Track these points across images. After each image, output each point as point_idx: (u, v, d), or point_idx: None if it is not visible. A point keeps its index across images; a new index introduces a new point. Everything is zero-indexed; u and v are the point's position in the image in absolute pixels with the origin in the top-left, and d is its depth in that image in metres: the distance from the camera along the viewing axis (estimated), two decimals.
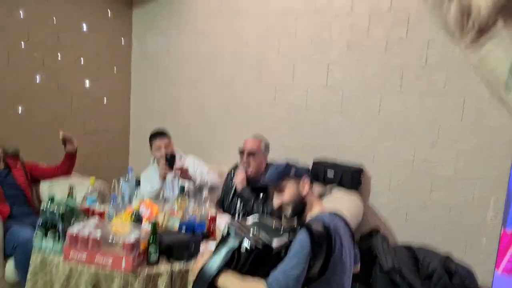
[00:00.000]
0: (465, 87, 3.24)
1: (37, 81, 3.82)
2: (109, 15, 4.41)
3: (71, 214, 2.31)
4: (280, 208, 1.94)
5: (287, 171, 1.96)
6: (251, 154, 3.07)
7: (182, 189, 2.70)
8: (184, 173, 3.12)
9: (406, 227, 3.55)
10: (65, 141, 3.25)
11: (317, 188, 3.48)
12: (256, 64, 4.07)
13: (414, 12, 3.37)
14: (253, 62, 4.08)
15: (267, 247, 1.71)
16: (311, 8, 3.77)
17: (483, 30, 0.46)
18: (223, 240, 1.81)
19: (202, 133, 4.45)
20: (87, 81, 4.27)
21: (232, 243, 1.75)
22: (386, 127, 3.57)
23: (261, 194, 2.84)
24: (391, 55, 3.49)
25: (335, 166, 3.62)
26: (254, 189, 2.85)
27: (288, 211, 1.92)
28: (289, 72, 3.93)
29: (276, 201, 1.94)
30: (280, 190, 1.94)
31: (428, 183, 3.43)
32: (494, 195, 3.19)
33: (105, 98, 4.52)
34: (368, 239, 3.36)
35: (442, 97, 3.33)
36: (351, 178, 3.56)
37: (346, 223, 1.91)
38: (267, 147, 3.22)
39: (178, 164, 3.19)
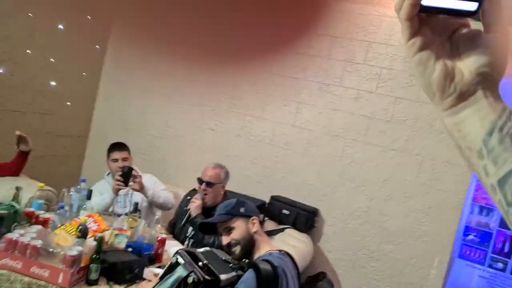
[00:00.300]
0: (425, 147, 3.38)
1: (1, 74, 3.66)
2: (88, 20, 4.34)
3: (13, 217, 2.18)
4: (229, 246, 1.93)
5: (237, 210, 1.96)
6: (209, 184, 3.04)
7: (135, 206, 2.62)
8: (137, 183, 3.03)
9: (352, 275, 3.58)
10: (19, 140, 3.11)
11: (269, 224, 3.48)
12: (229, 91, 4.09)
13: (386, 69, 3.51)
14: (226, 89, 4.10)
15: (215, 280, 1.68)
16: (289, 49, 3.85)
17: (463, 96, 0.48)
18: (171, 268, 1.76)
19: (165, 152, 4.37)
20: (53, 82, 4.13)
21: (180, 272, 1.70)
22: (346, 174, 3.64)
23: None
24: (359, 105, 3.60)
25: (291, 204, 3.64)
26: (198, 226, 2.81)
27: (237, 250, 1.91)
28: (260, 105, 3.97)
29: (225, 239, 1.93)
30: (229, 229, 1.93)
31: (379, 235, 3.50)
32: (439, 254, 3.28)
33: (68, 101, 4.38)
34: (314, 282, 3.35)
35: (402, 153, 3.45)
36: (306, 219, 3.58)
37: (295, 264, 1.91)
38: (227, 175, 3.20)
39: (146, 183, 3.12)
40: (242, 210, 1.97)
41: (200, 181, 3.06)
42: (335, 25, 3.71)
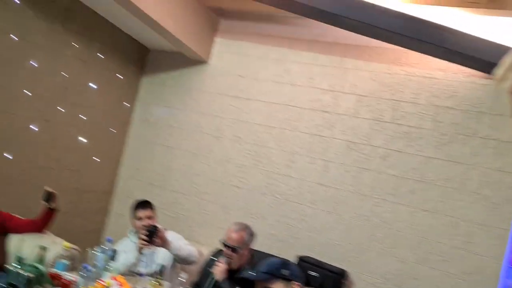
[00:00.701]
0: (458, 208, 3.25)
1: (32, 131, 3.75)
2: (119, 78, 4.48)
3: (38, 280, 2.14)
4: None
5: (280, 271, 1.87)
6: (233, 249, 2.95)
7: (161, 268, 2.55)
8: (160, 237, 2.97)
9: None
10: (48, 197, 3.12)
11: None
12: (254, 149, 4.08)
13: (415, 128, 3.47)
14: (251, 147, 4.10)
15: None
16: (316, 106, 3.87)
17: None
18: None
19: (189, 209, 4.33)
20: (81, 138, 4.22)
21: None
22: (375, 234, 3.51)
23: None
24: (388, 164, 3.53)
25: (318, 266, 3.50)
26: (235, 279, 2.71)
27: None
28: (285, 163, 3.94)
29: None
30: None
31: None
32: None
33: (95, 157, 4.44)
34: None
35: (434, 214, 3.33)
36: (333, 281, 3.43)
37: None
38: (251, 236, 3.12)
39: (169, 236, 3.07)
40: (285, 272, 1.88)
41: (225, 245, 2.99)
42: (362, 84, 3.72)
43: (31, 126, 3.75)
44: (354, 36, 3.69)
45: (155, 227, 3.02)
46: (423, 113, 3.48)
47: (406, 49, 3.52)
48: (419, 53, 3.37)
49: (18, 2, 3.43)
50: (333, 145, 3.76)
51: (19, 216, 3.27)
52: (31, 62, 3.63)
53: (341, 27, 3.55)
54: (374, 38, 3.50)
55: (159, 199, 4.46)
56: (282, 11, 3.90)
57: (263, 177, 4.02)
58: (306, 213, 3.80)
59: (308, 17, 3.77)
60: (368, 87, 3.70)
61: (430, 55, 3.21)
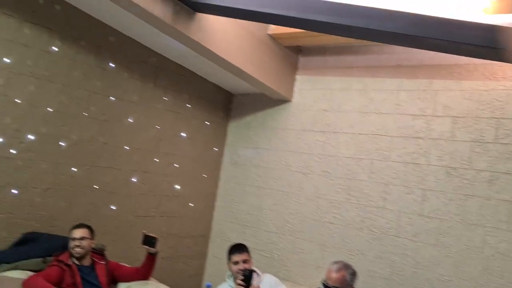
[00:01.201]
0: None
1: (133, 182, 4.01)
2: (207, 125, 4.68)
3: None
4: None
5: None
6: None
7: None
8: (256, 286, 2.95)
9: None
10: (147, 241, 3.28)
11: None
12: (345, 184, 3.96)
13: None
14: (342, 181, 3.98)
15: None
16: (407, 132, 3.68)
17: None
18: None
19: (283, 249, 4.27)
20: (177, 186, 4.42)
21: None
22: (490, 268, 3.16)
23: None
24: (496, 188, 3.22)
25: None
26: None
27: None
28: (380, 195, 3.76)
29: None
30: None
31: None
32: None
33: (191, 203, 4.61)
34: None
35: None
36: None
37: None
38: (353, 276, 2.97)
39: (255, 282, 3.04)
40: None
41: (325, 286, 2.87)
42: (455, 104, 3.49)
43: (132, 179, 4.01)
44: (441, 56, 3.51)
45: (251, 271, 3.01)
46: None
47: (501, 63, 3.26)
48: None
49: (113, 65, 3.76)
50: (430, 172, 3.53)
51: (126, 265, 3.46)
52: (128, 119, 3.93)
53: (424, 48, 3.40)
54: (463, 56, 3.30)
55: (254, 240, 4.47)
56: (360, 40, 3.86)
57: (358, 211, 3.86)
58: (408, 247, 3.55)
59: (388, 43, 3.68)
60: (463, 107, 3.46)
61: None
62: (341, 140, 4.05)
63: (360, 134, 3.95)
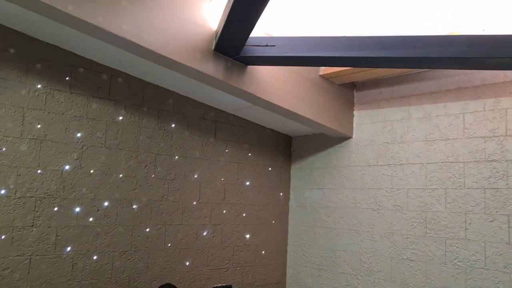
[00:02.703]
0: None
1: (204, 236, 4.08)
2: (270, 171, 4.71)
3: None
4: None
5: None
6: None
7: None
8: None
9: None
10: None
11: None
12: (420, 217, 3.77)
13: None
14: (416, 215, 3.80)
15: None
16: (480, 156, 3.48)
17: None
18: None
19: None
20: (247, 235, 4.43)
21: None
22: None
23: None
24: None
25: None
26: None
27: None
28: (460, 226, 3.53)
29: None
30: None
31: None
32: None
33: (263, 250, 4.58)
34: None
35: None
36: None
37: None
38: None
39: None
40: None
41: None
42: None
43: (203, 233, 4.08)
44: (505, 72, 3.35)
45: None
46: None
47: None
48: None
49: (174, 126, 3.92)
50: (511, 195, 3.28)
51: None
52: (194, 175, 4.04)
53: (485, 69, 3.27)
54: None
55: (330, 283, 4.33)
56: (414, 69, 3.77)
57: (438, 245, 3.64)
58: (500, 279, 3.27)
59: (445, 69, 3.57)
60: None
61: None
62: (409, 172, 3.90)
63: (428, 163, 3.78)
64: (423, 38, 2.91)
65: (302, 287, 4.27)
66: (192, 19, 3.12)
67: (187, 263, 3.96)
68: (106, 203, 3.47)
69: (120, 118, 3.59)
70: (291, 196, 4.89)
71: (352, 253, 4.24)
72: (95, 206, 3.41)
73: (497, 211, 3.35)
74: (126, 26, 2.77)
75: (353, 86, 4.44)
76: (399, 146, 4.00)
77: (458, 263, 3.51)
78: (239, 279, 4.36)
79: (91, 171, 3.40)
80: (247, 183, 4.49)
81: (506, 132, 3.38)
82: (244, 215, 4.45)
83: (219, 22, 3.11)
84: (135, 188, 3.65)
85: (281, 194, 4.84)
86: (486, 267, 3.36)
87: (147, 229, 3.70)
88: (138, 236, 3.65)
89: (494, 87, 3.49)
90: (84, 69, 3.40)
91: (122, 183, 3.58)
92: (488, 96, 3.51)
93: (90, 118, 3.43)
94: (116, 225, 3.53)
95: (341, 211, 4.37)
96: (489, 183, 3.41)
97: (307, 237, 4.66)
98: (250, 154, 4.55)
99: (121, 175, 3.57)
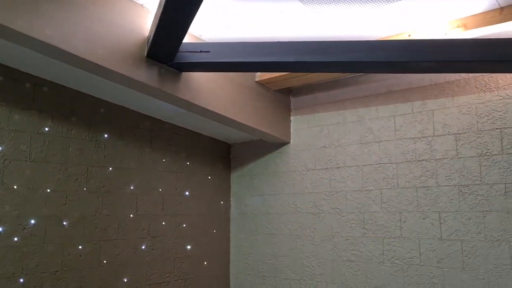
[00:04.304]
0: None
1: (143, 250, 3.91)
2: (209, 179, 4.63)
3: None
4: None
5: None
6: None
7: None
8: None
9: None
10: None
11: None
12: (358, 218, 3.86)
13: None
14: (355, 216, 3.88)
15: None
16: (411, 157, 3.62)
17: None
18: None
19: None
20: (188, 246, 4.31)
21: None
22: None
23: None
24: None
25: None
26: None
27: None
28: (395, 224, 3.64)
29: None
30: None
31: None
32: None
33: (205, 261, 4.48)
34: None
35: None
36: None
37: None
38: None
39: None
40: None
41: None
42: (454, 121, 3.44)
43: (141, 246, 3.91)
44: (430, 76, 3.52)
45: None
46: None
47: (492, 73, 3.25)
48: (510, 73, 3.09)
49: (107, 136, 3.74)
50: (442, 193, 3.44)
51: None
52: (130, 187, 3.87)
53: (415, 73, 3.41)
54: (453, 73, 3.31)
55: None
56: (348, 73, 3.87)
57: (376, 244, 3.73)
58: (434, 274, 3.40)
59: (376, 73, 3.69)
60: (463, 123, 3.41)
61: None
62: (346, 175, 3.98)
63: (364, 165, 3.88)
64: (354, 43, 2.99)
65: None
66: (123, 24, 2.99)
67: (125, 280, 3.77)
68: (32, 221, 3.22)
69: (46, 129, 3.36)
70: (232, 204, 4.83)
71: (294, 258, 4.24)
72: (20, 224, 3.15)
73: (429, 209, 3.49)
74: (49, 31, 2.59)
75: (289, 91, 4.48)
76: (336, 150, 4.08)
77: (395, 261, 3.62)
78: None
79: (15, 187, 3.15)
80: (186, 193, 4.38)
81: (434, 133, 3.54)
82: (184, 225, 4.32)
83: (151, 28, 3.01)
84: (65, 203, 3.43)
85: (221, 202, 4.77)
86: (421, 263, 3.49)
87: (80, 246, 3.48)
88: (69, 254, 3.41)
89: (421, 90, 3.65)
90: (3, 77, 3.15)
91: (50, 199, 3.34)
92: (415, 99, 3.67)
93: (12, 130, 3.17)
94: (45, 244, 3.28)
95: (282, 216, 4.38)
96: (420, 182, 3.56)
97: (249, 244, 4.62)
98: (188, 163, 4.44)
99: (49, 190, 3.33)
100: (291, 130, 4.43)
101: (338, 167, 4.04)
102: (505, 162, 3.18)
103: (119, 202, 3.79)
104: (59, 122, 3.45)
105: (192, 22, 2.62)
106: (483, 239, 3.21)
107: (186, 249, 4.31)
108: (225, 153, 4.90)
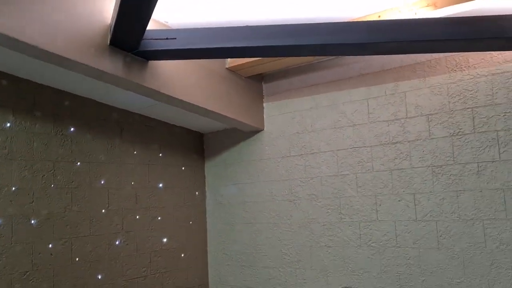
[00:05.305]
0: None
1: (118, 245, 3.81)
2: (183, 170, 4.54)
3: None
4: None
5: None
6: None
7: None
8: None
9: None
10: None
11: None
12: (334, 203, 3.84)
13: (503, 130, 3.09)
14: (331, 202, 3.86)
15: None
16: (385, 139, 3.61)
17: None
18: None
19: (286, 282, 4.09)
20: (164, 239, 4.23)
21: None
22: (497, 260, 3.05)
23: None
24: (485, 178, 3.14)
25: None
26: None
27: None
28: (371, 208, 3.64)
29: None
30: None
31: None
32: None
33: (182, 253, 4.41)
34: None
35: None
36: None
37: None
38: None
39: None
40: None
41: None
42: (426, 102, 3.44)
43: (115, 242, 3.81)
44: (401, 57, 3.50)
45: None
46: (507, 112, 3.10)
47: (463, 52, 3.24)
48: (480, 52, 3.09)
49: (73, 129, 3.61)
50: (416, 175, 3.44)
51: None
52: (100, 181, 3.76)
53: (384, 54, 3.38)
54: (424, 53, 3.29)
55: (253, 279, 4.28)
56: (320, 57, 3.82)
57: (353, 229, 3.73)
58: (410, 255, 3.42)
59: (346, 55, 3.65)
60: (434, 103, 3.41)
61: (492, 50, 2.91)
62: (321, 160, 3.95)
63: (338, 150, 3.86)
64: (324, 25, 2.93)
65: (225, 287, 4.17)
66: (83, 11, 2.84)
67: (99, 276, 3.67)
68: None
69: (8, 124, 3.21)
70: (208, 195, 4.76)
71: (272, 246, 4.21)
72: None
73: (403, 191, 3.49)
74: (2, 19, 2.45)
75: (261, 78, 4.41)
76: (310, 135, 4.04)
77: (372, 244, 3.62)
78: (158, 287, 4.14)
79: None
80: (160, 185, 4.28)
81: (407, 115, 3.53)
82: (159, 218, 4.23)
83: (112, 14, 2.88)
84: (32, 201, 3.29)
85: (197, 193, 4.69)
86: (397, 245, 3.50)
87: (50, 245, 3.36)
88: (39, 253, 3.29)
89: (393, 71, 3.63)
90: None
91: (16, 197, 3.20)
92: (388, 81, 3.65)
93: None
94: (12, 244, 3.15)
95: (258, 205, 4.33)
96: (394, 165, 3.55)
97: (226, 235, 4.56)
98: (161, 155, 4.34)
99: (13, 188, 3.19)
100: (264, 117, 4.36)
101: (312, 153, 4.00)
102: (477, 141, 3.19)
103: (89, 197, 3.67)
104: (22, 116, 3.30)
105: (157, 8, 2.51)
106: (457, 218, 3.23)
107: (162, 242, 4.23)
108: (198, 143, 4.81)
